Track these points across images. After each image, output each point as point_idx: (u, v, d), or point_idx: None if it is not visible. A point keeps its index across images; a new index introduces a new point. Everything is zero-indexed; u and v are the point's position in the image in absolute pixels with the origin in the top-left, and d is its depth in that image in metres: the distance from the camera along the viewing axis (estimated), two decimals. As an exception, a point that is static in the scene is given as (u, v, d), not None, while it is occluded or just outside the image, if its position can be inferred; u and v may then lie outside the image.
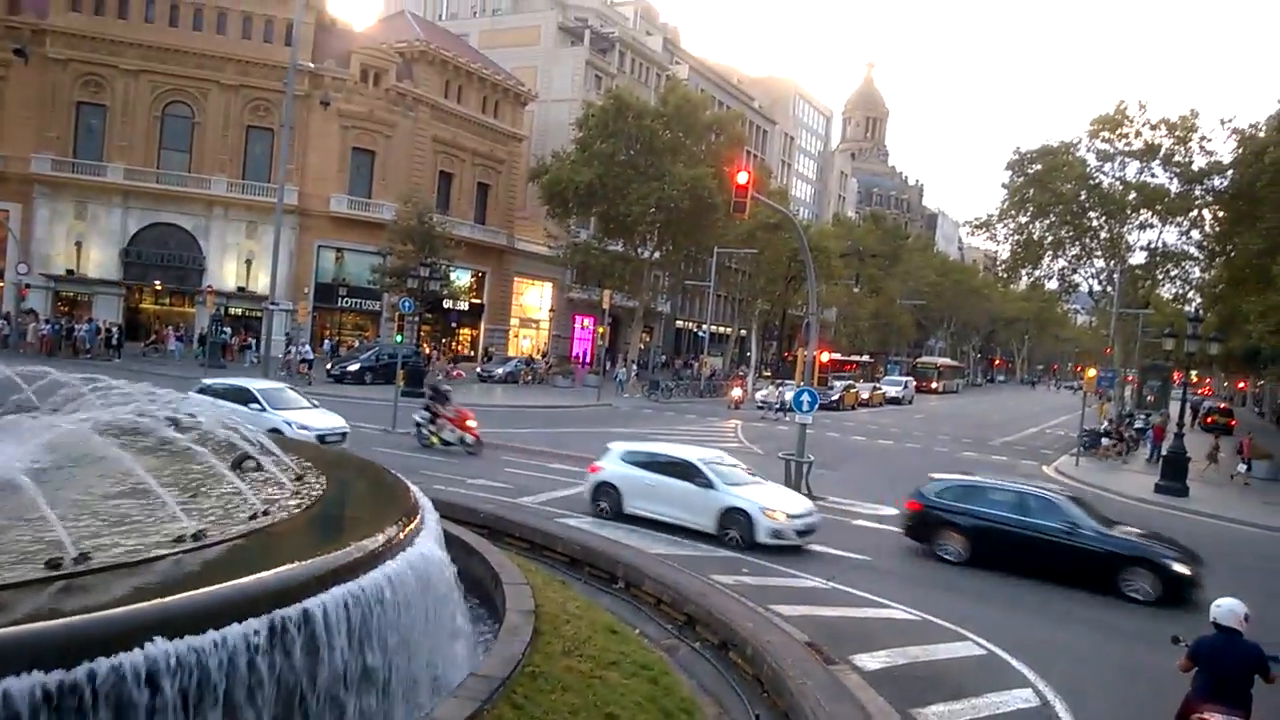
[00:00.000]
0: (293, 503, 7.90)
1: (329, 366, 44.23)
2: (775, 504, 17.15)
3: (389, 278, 48.83)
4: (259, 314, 48.79)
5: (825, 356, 57.90)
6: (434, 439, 24.78)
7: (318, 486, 8.66)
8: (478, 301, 63.37)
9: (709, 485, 17.26)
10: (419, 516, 8.13)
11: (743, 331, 78.75)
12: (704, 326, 74.07)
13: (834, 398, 54.36)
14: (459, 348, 62.84)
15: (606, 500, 18.34)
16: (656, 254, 62.31)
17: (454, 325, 61.40)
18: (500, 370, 52.75)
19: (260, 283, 49.26)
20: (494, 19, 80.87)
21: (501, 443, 27.51)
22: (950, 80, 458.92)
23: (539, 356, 64.17)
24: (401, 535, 7.36)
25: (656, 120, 57.84)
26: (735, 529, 16.78)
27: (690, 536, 17.03)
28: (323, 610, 5.81)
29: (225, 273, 51.98)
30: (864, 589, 14.73)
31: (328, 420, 22.72)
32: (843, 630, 12.41)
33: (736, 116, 71.81)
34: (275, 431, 19.96)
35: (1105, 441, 39.39)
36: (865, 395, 62.93)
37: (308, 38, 50.81)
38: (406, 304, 38.55)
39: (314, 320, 53.12)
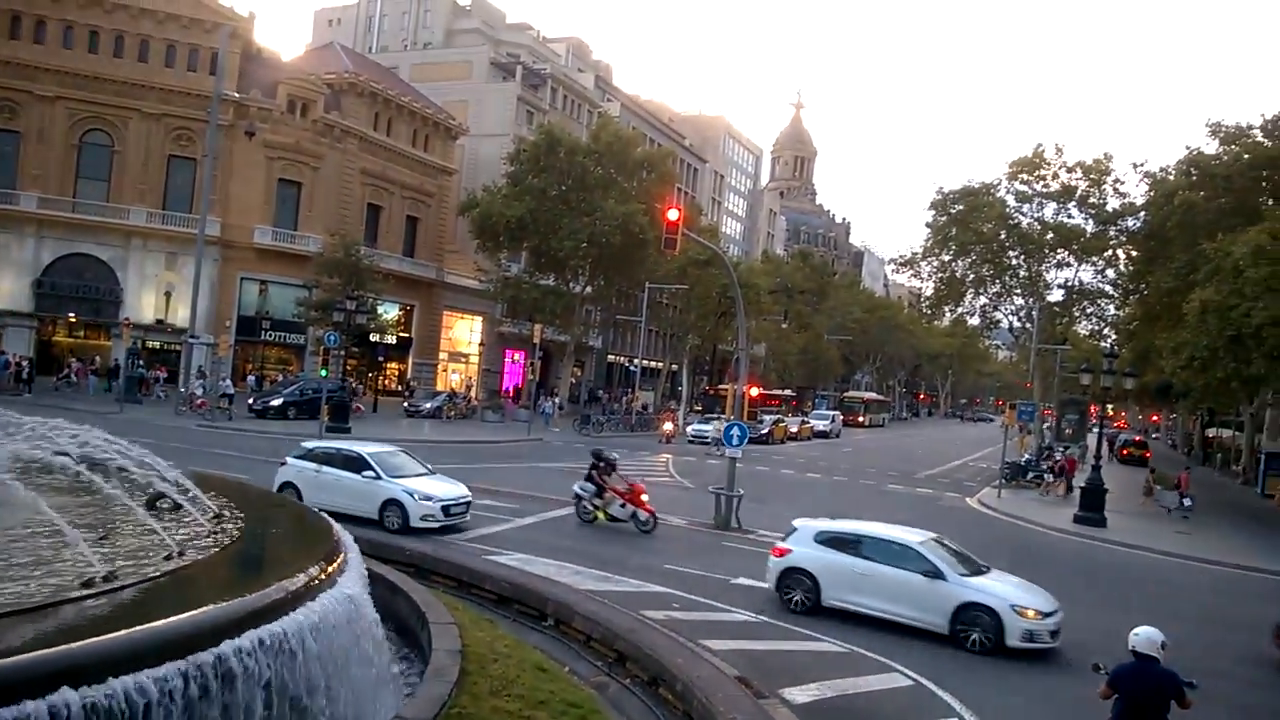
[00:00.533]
0: (210, 542, 7.67)
1: (250, 401, 43.11)
2: (1025, 599, 14.39)
3: (314, 311, 48.00)
4: (178, 347, 47.53)
5: (754, 391, 58.38)
6: (599, 514, 22.03)
7: (236, 526, 8.42)
8: (406, 335, 62.65)
9: (937, 575, 14.42)
10: (341, 556, 7.95)
11: (674, 366, 79.09)
12: (636, 361, 74.28)
13: (763, 431, 54.85)
14: (386, 382, 61.93)
15: (799, 590, 15.48)
16: (588, 288, 62.43)
17: (381, 359, 60.56)
18: (428, 405, 52.08)
19: (180, 315, 48.04)
20: (425, 53, 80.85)
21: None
22: (877, 120, 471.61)
23: (463, 389, 63.28)
24: (323, 575, 7.19)
25: (588, 156, 58.21)
26: (977, 630, 13.98)
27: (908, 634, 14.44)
28: (240, 654, 5.63)
29: (143, 305, 50.57)
30: (791, 623, 14.79)
31: (451, 488, 20.29)
32: (772, 664, 12.42)
33: (667, 154, 72.60)
34: (394, 504, 19.18)
35: (1049, 477, 39.97)
36: (794, 429, 63.71)
37: (233, 67, 50.07)
38: (332, 338, 37.89)
39: (235, 354, 51.88)
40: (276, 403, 42.39)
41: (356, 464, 19.89)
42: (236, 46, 50.66)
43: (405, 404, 53.50)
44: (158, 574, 6.52)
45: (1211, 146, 42.30)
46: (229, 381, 44.47)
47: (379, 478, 19.52)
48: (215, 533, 8.02)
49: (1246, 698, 13.15)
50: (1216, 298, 31.97)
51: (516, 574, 14.83)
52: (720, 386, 72.32)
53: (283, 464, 20.81)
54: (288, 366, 55.27)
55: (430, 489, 19.71)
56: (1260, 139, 40.94)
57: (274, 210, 53.93)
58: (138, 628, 5.35)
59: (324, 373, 35.04)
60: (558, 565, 17.01)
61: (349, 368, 53.13)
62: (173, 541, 7.28)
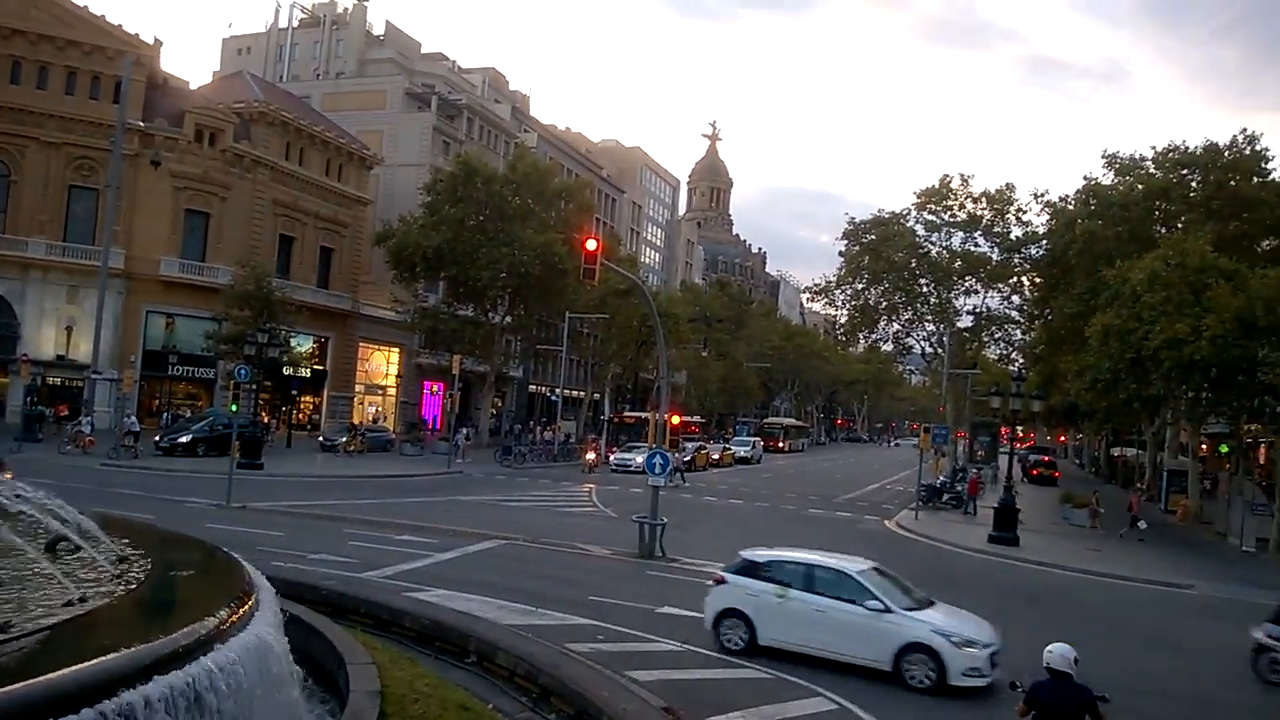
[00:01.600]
0: (114, 587, 7.32)
1: (157, 438, 41.60)
2: None
3: (224, 344, 46.69)
4: (81, 383, 45.70)
5: (674, 419, 58.58)
6: None
7: (142, 568, 8.06)
8: (320, 368, 61.33)
9: None
10: (254, 597, 7.66)
11: (596, 395, 78.99)
12: (557, 391, 73.98)
13: (686, 459, 55.04)
14: (301, 416, 60.41)
15: None
16: (508, 319, 62.10)
17: (295, 393, 59.12)
18: (344, 439, 50.99)
19: (82, 351, 46.27)
20: (338, 82, 79.82)
21: (344, 514, 26.51)
22: (791, 152, 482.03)
23: (368, 422, 61.67)
24: (234, 618, 6.90)
25: (506, 186, 58.10)
26: None
27: None
28: (145, 703, 5.36)
29: (43, 340, 48.53)
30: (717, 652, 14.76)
31: (976, 623, 14.36)
32: (699, 693, 12.36)
33: (585, 184, 72.84)
34: (922, 651, 13.41)
35: None
36: (716, 456, 64.08)
37: (137, 95, 48.73)
38: (242, 372, 36.85)
39: (141, 390, 50.12)
40: (185, 439, 40.98)
41: (846, 588, 14.29)
42: (141, 74, 49.36)
43: (321, 438, 52.29)
44: (57, 621, 6.19)
45: (1108, 177, 44.20)
46: (134, 418, 42.83)
47: (887, 610, 13.79)
48: (120, 576, 7.67)
49: (1163, 712, 13.50)
50: (1116, 322, 33.29)
51: (437, 611, 14.50)
52: (628, 414, 72.33)
53: (718, 582, 15.30)
54: (197, 402, 53.62)
55: (974, 630, 13.97)
56: (1152, 170, 42.93)
57: (181, 241, 52.45)
58: (33, 680, 5.06)
59: (234, 408, 33.87)
60: (480, 600, 16.68)
61: (261, 402, 51.70)
62: (73, 587, 6.93)
